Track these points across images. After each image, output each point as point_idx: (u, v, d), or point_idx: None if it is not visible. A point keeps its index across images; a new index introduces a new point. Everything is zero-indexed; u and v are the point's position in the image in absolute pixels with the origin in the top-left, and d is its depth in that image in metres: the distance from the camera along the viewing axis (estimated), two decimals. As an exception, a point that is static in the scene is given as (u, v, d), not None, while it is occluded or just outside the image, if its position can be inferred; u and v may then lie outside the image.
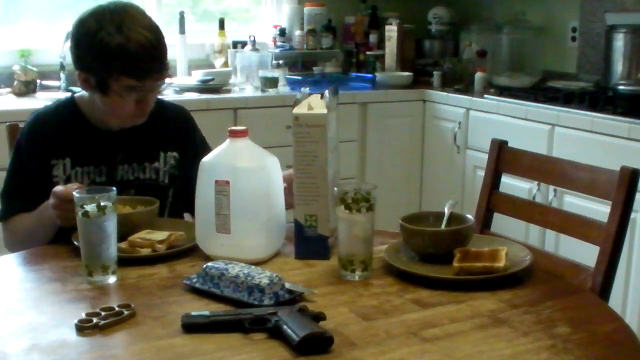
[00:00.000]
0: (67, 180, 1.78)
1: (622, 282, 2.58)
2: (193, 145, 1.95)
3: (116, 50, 1.66)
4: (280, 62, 3.76)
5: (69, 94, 1.97)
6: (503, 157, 1.93)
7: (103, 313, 1.24)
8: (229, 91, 3.43)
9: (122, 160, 1.85)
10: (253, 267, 1.36)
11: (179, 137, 1.94)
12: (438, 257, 1.47)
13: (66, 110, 1.86)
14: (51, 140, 1.81)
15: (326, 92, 1.53)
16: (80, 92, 1.88)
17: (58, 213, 1.60)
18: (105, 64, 1.68)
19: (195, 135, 1.99)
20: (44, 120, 1.84)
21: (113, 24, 1.67)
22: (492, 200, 1.92)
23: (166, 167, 1.89)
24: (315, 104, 1.51)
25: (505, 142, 1.94)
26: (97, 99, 1.76)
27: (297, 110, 1.51)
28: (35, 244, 1.68)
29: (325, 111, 1.49)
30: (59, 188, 1.60)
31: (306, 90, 1.57)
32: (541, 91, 3.26)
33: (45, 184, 1.70)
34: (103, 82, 1.71)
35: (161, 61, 1.73)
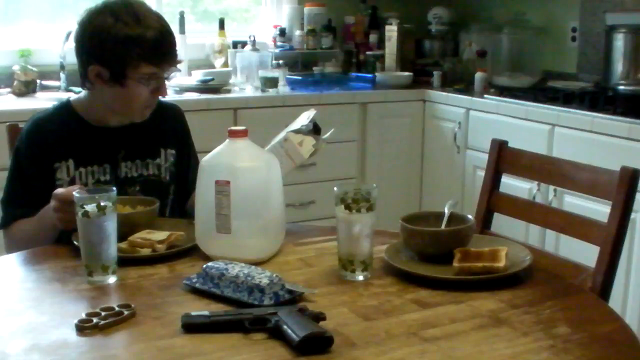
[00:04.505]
0: (72, 182, 1.79)
1: (622, 282, 2.58)
2: (188, 145, 2.00)
3: (137, 38, 1.71)
4: (280, 62, 3.76)
5: (66, 96, 1.98)
6: (503, 157, 1.93)
7: (103, 313, 1.24)
8: (229, 91, 3.43)
9: (125, 157, 1.86)
10: (253, 267, 1.36)
11: (176, 135, 1.97)
12: (438, 257, 1.47)
13: (64, 113, 1.87)
14: (52, 143, 1.81)
15: (324, 137, 1.73)
16: (79, 92, 1.89)
17: (59, 216, 1.60)
18: (125, 53, 1.71)
19: (190, 136, 2.02)
20: (43, 125, 1.84)
21: (130, 16, 1.72)
22: (492, 200, 1.92)
23: (167, 164, 1.92)
24: (307, 142, 1.68)
25: (506, 142, 1.94)
26: (108, 93, 1.77)
27: (291, 134, 1.69)
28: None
29: (306, 157, 1.71)
30: (60, 190, 1.61)
31: (313, 112, 1.75)
32: (541, 91, 3.25)
33: (46, 189, 1.70)
34: (120, 73, 1.73)
35: (175, 47, 1.80)
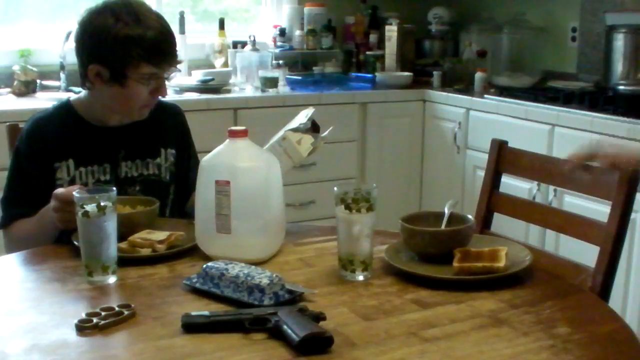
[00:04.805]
0: (72, 182, 1.79)
1: (622, 282, 2.58)
2: (188, 145, 2.01)
3: (137, 38, 1.71)
4: (280, 62, 3.76)
5: (66, 96, 1.98)
6: (503, 157, 1.93)
7: (103, 313, 1.24)
8: (229, 91, 3.43)
9: (125, 157, 1.86)
10: (253, 267, 1.36)
11: (176, 135, 1.98)
12: (438, 257, 1.47)
13: (64, 112, 1.87)
14: (52, 143, 1.81)
15: (323, 134, 1.72)
16: (79, 92, 1.89)
17: (59, 216, 1.60)
18: (126, 52, 1.71)
19: (190, 135, 2.02)
20: (43, 125, 1.84)
21: (130, 16, 1.72)
22: (492, 200, 1.92)
23: (167, 164, 1.92)
24: (305, 141, 1.68)
25: (505, 142, 1.94)
26: (107, 93, 1.77)
27: (289, 132, 1.69)
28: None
29: (304, 155, 1.69)
30: (60, 190, 1.61)
31: (311, 110, 1.75)
32: (541, 91, 3.25)
33: (46, 188, 1.70)
34: (120, 73, 1.73)
35: (175, 48, 1.80)
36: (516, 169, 1.96)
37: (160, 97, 1.82)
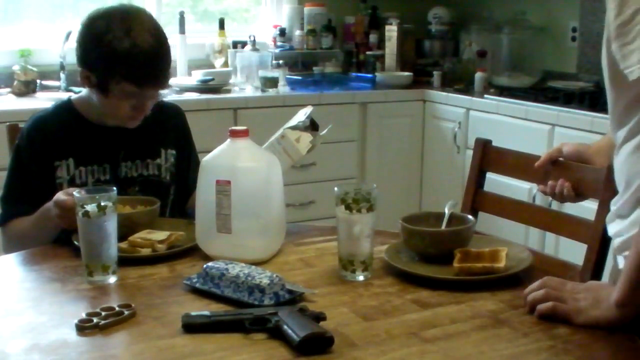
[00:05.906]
0: (71, 180, 1.79)
1: (622, 282, 2.57)
2: (188, 145, 2.00)
3: (122, 55, 1.68)
4: (280, 62, 3.76)
5: (66, 96, 1.98)
6: (487, 156, 1.93)
7: (103, 313, 1.24)
8: (229, 91, 3.43)
9: (125, 157, 1.86)
10: (253, 267, 1.36)
11: (177, 135, 1.97)
12: (438, 258, 1.47)
13: (65, 111, 1.87)
14: (53, 142, 1.81)
15: (321, 133, 1.73)
16: (79, 92, 1.89)
17: (62, 221, 1.60)
18: (109, 67, 1.70)
19: (190, 136, 2.02)
20: (43, 123, 1.84)
21: (122, 28, 1.69)
22: (477, 199, 1.92)
23: (167, 164, 1.91)
24: (304, 139, 1.68)
25: (490, 141, 1.94)
26: (96, 98, 1.78)
27: (288, 130, 1.70)
28: (35, 246, 1.68)
29: (303, 153, 1.69)
30: (61, 198, 1.60)
31: (310, 108, 1.76)
32: (541, 91, 3.26)
33: (47, 187, 1.70)
34: (104, 84, 1.73)
35: (163, 71, 1.76)
36: (501, 168, 1.96)
37: (142, 113, 1.79)
